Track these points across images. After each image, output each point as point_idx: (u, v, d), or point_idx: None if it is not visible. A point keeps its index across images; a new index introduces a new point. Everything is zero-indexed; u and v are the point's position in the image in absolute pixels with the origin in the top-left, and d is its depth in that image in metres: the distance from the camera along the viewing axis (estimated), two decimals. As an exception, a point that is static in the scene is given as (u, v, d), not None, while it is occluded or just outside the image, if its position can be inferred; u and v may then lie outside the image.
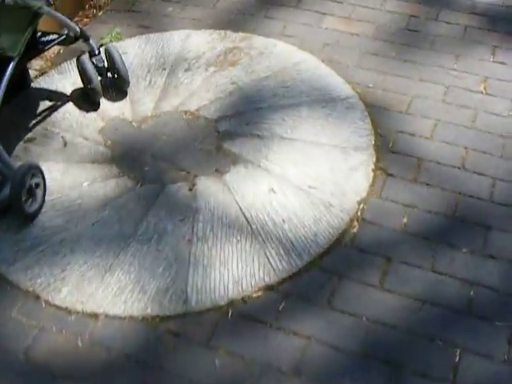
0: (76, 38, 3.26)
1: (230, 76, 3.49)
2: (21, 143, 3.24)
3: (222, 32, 3.77)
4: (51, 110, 3.40)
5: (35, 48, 3.15)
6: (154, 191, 3.01)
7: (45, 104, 3.43)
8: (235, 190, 2.97)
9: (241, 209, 2.89)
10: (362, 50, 3.62)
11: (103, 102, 3.42)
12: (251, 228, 2.82)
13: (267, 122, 3.24)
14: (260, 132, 3.20)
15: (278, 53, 3.60)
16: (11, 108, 3.35)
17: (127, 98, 3.44)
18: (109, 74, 3.41)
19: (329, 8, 3.88)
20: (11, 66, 2.86)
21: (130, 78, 3.42)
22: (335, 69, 3.50)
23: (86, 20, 3.90)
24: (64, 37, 3.22)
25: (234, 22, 3.84)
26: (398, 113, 3.27)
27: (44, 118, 3.35)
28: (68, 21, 3.18)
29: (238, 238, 2.79)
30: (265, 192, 2.95)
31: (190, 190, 3.00)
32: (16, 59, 2.87)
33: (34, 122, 3.34)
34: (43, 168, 3.05)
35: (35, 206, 2.92)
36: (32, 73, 3.61)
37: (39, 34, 3.24)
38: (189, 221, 2.87)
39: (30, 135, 3.28)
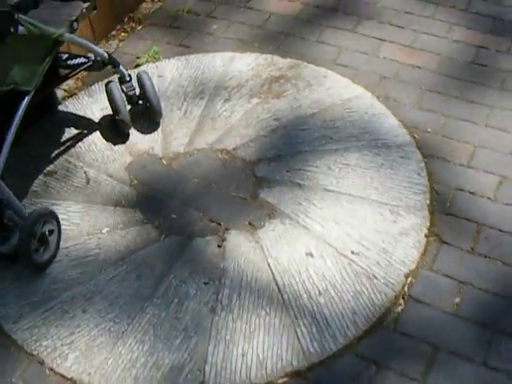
0: (104, 64, 2.96)
1: (273, 110, 3.15)
2: (40, 176, 2.97)
3: (269, 57, 3.42)
4: (76, 139, 3.12)
5: (57, 75, 2.89)
6: (178, 245, 2.71)
7: (70, 131, 3.16)
8: (268, 250, 2.65)
9: (273, 274, 2.58)
10: (423, 86, 3.23)
11: (133, 132, 3.12)
12: (282, 298, 2.51)
13: (310, 169, 2.90)
14: (302, 181, 2.86)
15: (329, 86, 3.24)
16: (34, 133, 3.13)
17: (159, 129, 3.14)
18: (140, 102, 3.10)
19: (389, 34, 3.49)
20: (25, 100, 2.57)
21: (162, 109, 3.11)
22: (391, 108, 3.12)
23: (123, 34, 3.60)
24: (91, 63, 2.93)
25: (283, 45, 3.48)
26: (458, 166, 2.89)
27: (68, 148, 3.08)
28: (94, 46, 2.89)
29: (267, 309, 2.48)
30: (301, 255, 2.62)
31: (219, 246, 2.69)
32: (31, 93, 2.59)
33: (56, 152, 3.07)
34: (61, 208, 2.81)
35: (47, 255, 2.66)
36: (60, 93, 3.33)
37: (65, 56, 2.96)
38: (214, 285, 2.57)
39: (51, 167, 3.01)
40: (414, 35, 3.48)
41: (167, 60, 3.46)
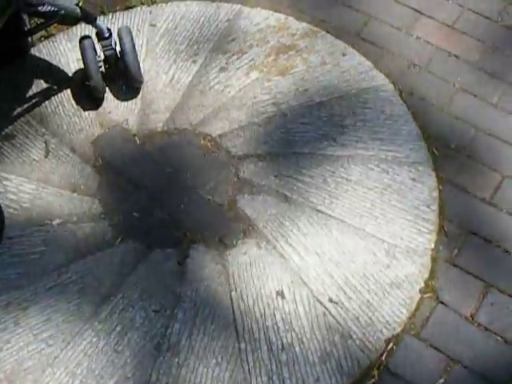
0: (78, 19, 2.48)
1: (274, 92, 2.66)
2: (-4, 139, 2.58)
3: (282, 18, 2.86)
4: (44, 95, 2.69)
5: (17, 30, 2.43)
6: (134, 255, 2.34)
7: (38, 85, 2.71)
8: (235, 280, 2.27)
9: (234, 313, 2.21)
10: (458, 82, 2.69)
11: (108, 97, 2.68)
12: (239, 347, 2.15)
13: (303, 178, 2.45)
14: (290, 193, 2.43)
15: (346, 68, 2.71)
16: (-3, 82, 2.69)
17: (139, 97, 2.68)
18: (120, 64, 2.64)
19: (429, 6, 2.88)
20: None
21: (142, 76, 2.64)
22: (414, 107, 2.61)
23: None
24: (60, 17, 2.45)
25: (302, 3, 2.92)
26: (479, 200, 2.41)
27: (32, 107, 2.66)
28: (61, 1, 2.39)
29: (219, 359, 2.14)
30: (271, 294, 2.24)
31: (180, 263, 2.32)
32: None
33: (19, 109, 2.65)
34: (12, 185, 2.48)
35: (-16, 248, 2.32)
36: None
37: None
38: (165, 314, 2.22)
39: (9, 129, 2.61)
40: (459, 11, 2.87)
41: (164, 4, 2.93)
